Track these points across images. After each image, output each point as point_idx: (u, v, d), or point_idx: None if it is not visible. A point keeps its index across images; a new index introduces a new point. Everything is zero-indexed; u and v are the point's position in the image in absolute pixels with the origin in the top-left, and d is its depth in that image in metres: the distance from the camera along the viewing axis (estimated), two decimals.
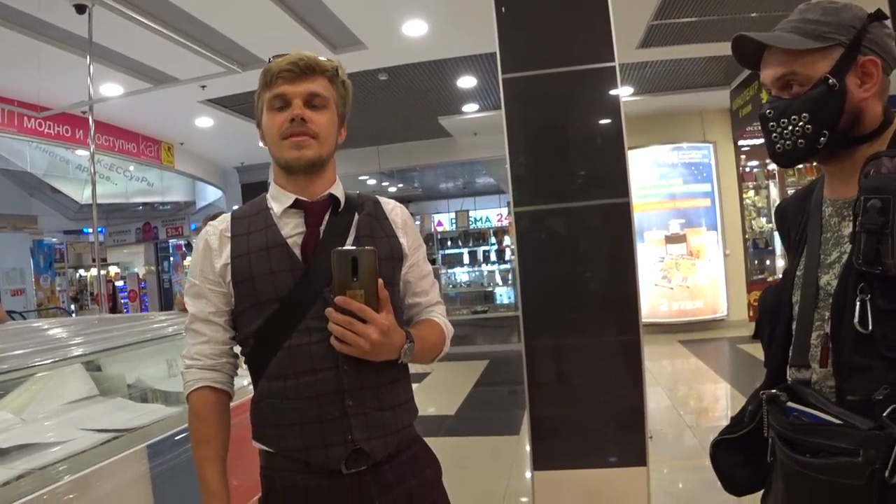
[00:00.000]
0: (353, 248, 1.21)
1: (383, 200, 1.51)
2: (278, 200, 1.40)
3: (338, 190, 1.43)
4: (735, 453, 1.24)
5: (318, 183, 1.40)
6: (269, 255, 1.34)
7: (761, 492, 1.25)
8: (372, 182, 12.56)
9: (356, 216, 1.41)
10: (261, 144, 1.43)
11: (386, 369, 1.32)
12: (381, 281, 1.21)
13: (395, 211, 1.49)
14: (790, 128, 1.11)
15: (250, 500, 2.27)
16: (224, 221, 1.43)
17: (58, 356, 1.95)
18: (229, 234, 1.39)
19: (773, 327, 1.22)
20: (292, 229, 1.37)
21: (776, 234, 9.49)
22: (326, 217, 1.39)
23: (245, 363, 1.41)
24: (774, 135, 1.14)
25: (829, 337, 1.08)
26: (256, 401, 1.37)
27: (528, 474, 3.96)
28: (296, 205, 1.38)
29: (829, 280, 1.10)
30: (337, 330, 1.19)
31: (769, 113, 1.14)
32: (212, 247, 1.39)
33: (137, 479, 1.86)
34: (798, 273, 1.19)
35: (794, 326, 1.17)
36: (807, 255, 1.17)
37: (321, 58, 1.38)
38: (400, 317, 1.40)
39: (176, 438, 2.03)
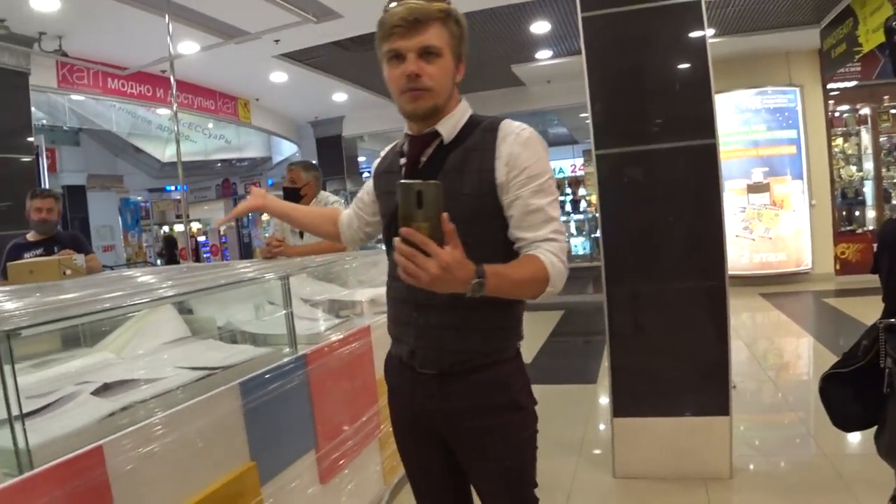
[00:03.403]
0: (419, 181, 1.18)
1: (504, 129, 1.48)
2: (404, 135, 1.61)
3: (446, 125, 1.51)
4: (846, 387, 1.19)
5: (433, 122, 1.52)
6: (387, 178, 1.61)
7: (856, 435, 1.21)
8: None
9: (460, 148, 1.49)
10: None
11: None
12: (445, 215, 1.18)
13: (506, 140, 1.46)
14: None
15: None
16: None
17: (153, 297, 2.03)
18: (381, 156, 1.74)
19: (893, 259, 1.16)
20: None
21: (867, 183, 9.06)
22: (432, 149, 1.52)
23: None
24: None
25: None
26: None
27: (602, 425, 3.96)
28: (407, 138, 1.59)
29: None
30: (401, 261, 1.18)
31: None
32: (373, 164, 1.76)
33: (231, 414, 1.94)
34: None
35: None
36: None
37: (432, 4, 1.43)
38: (499, 249, 1.46)
39: (266, 377, 2.11)
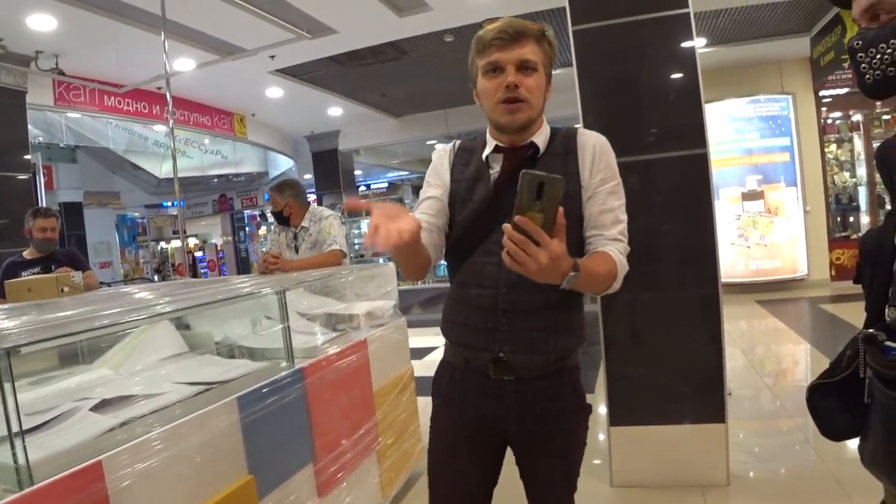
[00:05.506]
0: (543, 173, 1.21)
1: (582, 134, 1.61)
2: (488, 145, 1.62)
3: (540, 137, 1.58)
4: (832, 398, 1.22)
5: (525, 135, 1.58)
6: (475, 185, 1.61)
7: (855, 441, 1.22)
8: (441, 146, 12.55)
9: (546, 155, 1.58)
10: (477, 103, 1.62)
11: (542, 295, 1.49)
12: (561, 209, 1.22)
13: (586, 145, 1.58)
14: (879, 56, 1.08)
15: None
16: (453, 146, 1.73)
17: (151, 313, 2.04)
18: (453, 158, 1.70)
19: (874, 269, 1.19)
20: (496, 168, 1.60)
21: (861, 189, 9.11)
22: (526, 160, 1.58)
23: (445, 261, 1.72)
24: (864, 65, 1.10)
25: None
26: (448, 296, 1.69)
27: (601, 434, 3.96)
28: (497, 150, 1.60)
29: None
30: (511, 247, 1.22)
31: (858, 44, 1.10)
32: (441, 162, 1.71)
33: (229, 428, 1.95)
34: None
35: (895, 267, 1.14)
36: None
37: (528, 22, 1.53)
38: (575, 250, 1.52)
39: (263, 391, 2.12)
